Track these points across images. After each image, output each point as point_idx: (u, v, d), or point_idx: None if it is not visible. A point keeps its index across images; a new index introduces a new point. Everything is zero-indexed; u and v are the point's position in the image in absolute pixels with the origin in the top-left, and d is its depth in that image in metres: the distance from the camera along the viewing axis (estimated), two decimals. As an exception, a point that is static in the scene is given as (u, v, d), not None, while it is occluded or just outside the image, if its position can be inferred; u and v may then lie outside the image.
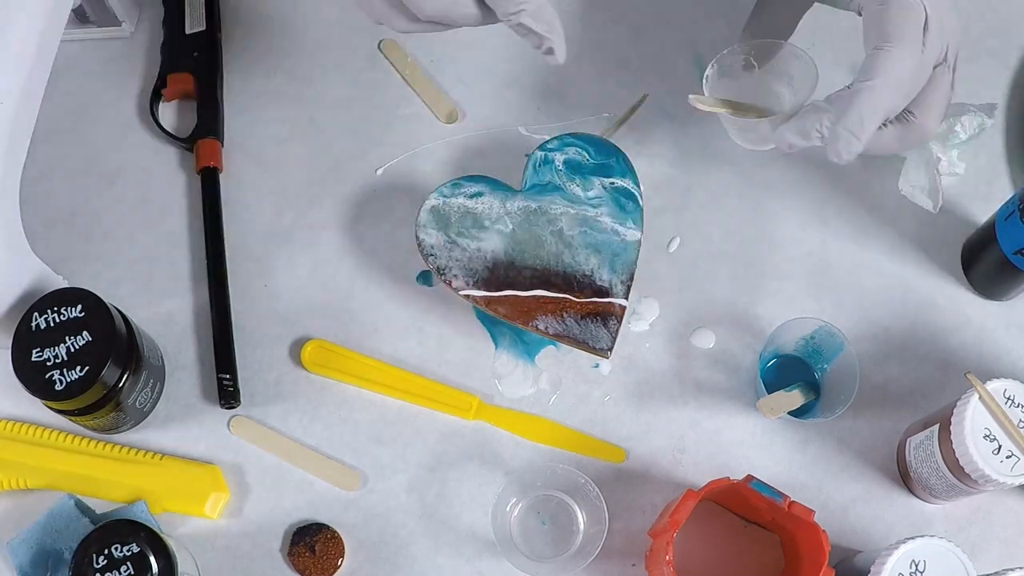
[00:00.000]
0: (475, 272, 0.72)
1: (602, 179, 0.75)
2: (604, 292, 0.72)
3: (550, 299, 0.72)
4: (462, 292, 0.72)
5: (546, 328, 0.72)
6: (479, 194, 0.74)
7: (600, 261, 0.73)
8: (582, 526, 0.71)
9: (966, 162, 0.80)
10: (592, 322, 0.72)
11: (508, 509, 0.71)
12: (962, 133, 0.78)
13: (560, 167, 0.75)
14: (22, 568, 0.68)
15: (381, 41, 0.84)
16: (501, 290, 0.72)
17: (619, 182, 0.75)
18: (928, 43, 0.61)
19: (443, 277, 0.72)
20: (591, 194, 0.75)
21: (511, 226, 0.74)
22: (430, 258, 0.72)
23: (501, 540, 0.68)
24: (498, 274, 0.72)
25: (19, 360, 0.65)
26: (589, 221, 0.74)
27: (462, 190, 0.74)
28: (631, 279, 0.73)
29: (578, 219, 0.74)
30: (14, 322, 0.66)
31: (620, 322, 0.72)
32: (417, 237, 0.73)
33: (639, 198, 0.75)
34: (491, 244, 0.73)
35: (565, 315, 0.72)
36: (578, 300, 0.72)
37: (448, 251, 0.73)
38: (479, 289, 0.72)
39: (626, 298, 0.73)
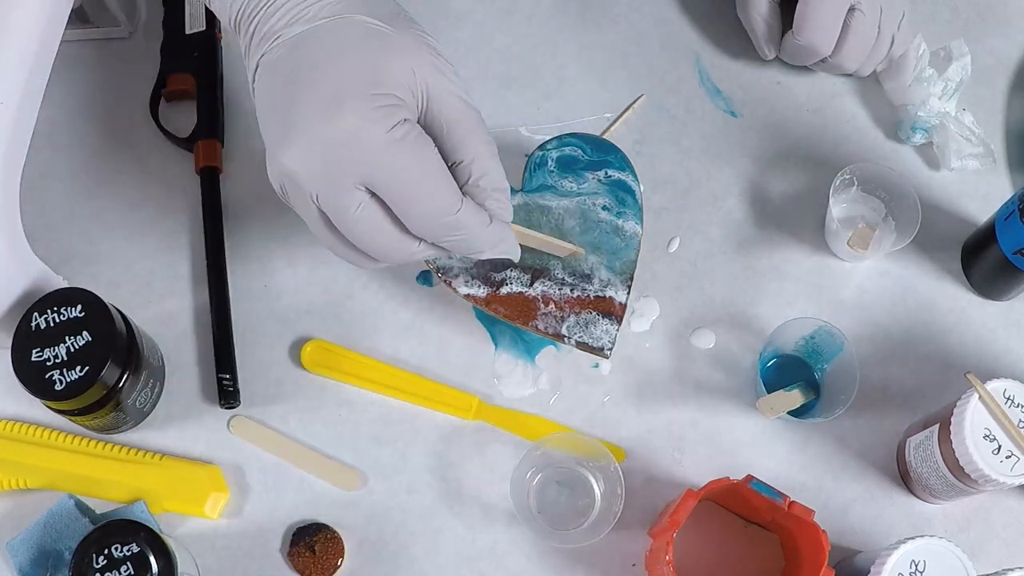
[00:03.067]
0: (475, 271, 0.72)
1: (597, 173, 0.75)
2: (603, 292, 0.72)
3: (550, 299, 0.72)
4: (462, 292, 0.72)
5: (546, 328, 0.71)
6: None
7: (600, 260, 0.73)
8: (599, 497, 0.71)
9: (967, 106, 0.81)
10: (592, 321, 0.72)
11: (528, 477, 0.71)
12: (952, 82, 0.80)
13: (552, 167, 0.75)
14: (22, 568, 0.68)
15: None
16: (501, 290, 0.72)
17: (616, 175, 0.75)
18: None
19: (443, 277, 0.72)
20: (586, 187, 0.74)
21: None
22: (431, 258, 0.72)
23: (520, 508, 0.68)
24: (497, 273, 0.72)
25: (19, 360, 0.65)
26: (589, 217, 0.74)
27: None
28: (631, 278, 0.73)
29: (578, 215, 0.74)
30: (14, 322, 0.66)
31: (620, 321, 0.72)
32: None
33: (637, 194, 0.75)
34: None
35: (564, 315, 0.72)
36: (577, 299, 0.72)
37: None
38: (479, 289, 0.72)
39: (626, 297, 0.73)
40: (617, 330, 0.72)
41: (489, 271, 0.72)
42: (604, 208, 0.74)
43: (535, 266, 0.73)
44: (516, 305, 0.72)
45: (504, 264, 0.72)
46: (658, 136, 0.82)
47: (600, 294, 0.72)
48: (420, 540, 0.71)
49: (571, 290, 0.72)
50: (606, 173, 0.75)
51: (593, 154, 0.76)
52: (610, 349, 0.72)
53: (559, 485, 0.72)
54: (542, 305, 0.72)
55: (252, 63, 0.60)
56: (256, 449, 0.73)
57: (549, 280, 0.72)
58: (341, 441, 0.74)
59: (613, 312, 0.72)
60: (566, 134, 0.77)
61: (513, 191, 0.75)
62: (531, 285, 0.72)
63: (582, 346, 0.72)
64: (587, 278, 0.73)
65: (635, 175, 0.76)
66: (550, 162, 0.75)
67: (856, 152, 0.82)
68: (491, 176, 0.60)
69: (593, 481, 0.72)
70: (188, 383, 0.75)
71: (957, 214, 0.80)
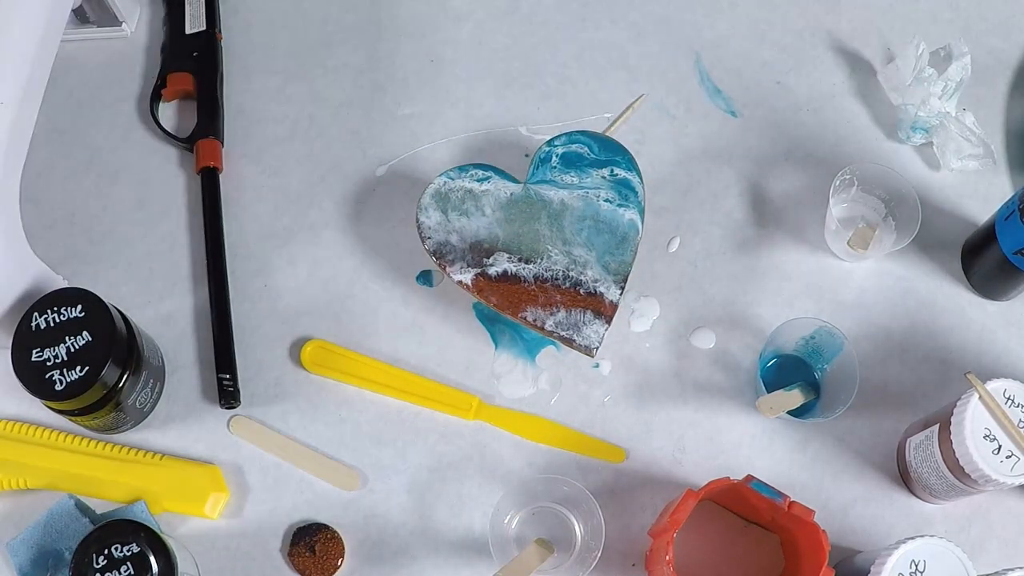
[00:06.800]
0: (469, 257, 0.72)
1: (603, 171, 0.75)
2: (595, 289, 0.72)
3: (541, 291, 0.72)
4: (455, 277, 0.72)
5: (534, 320, 0.71)
6: (484, 179, 0.74)
7: (595, 258, 0.73)
8: (579, 537, 0.71)
9: (967, 106, 0.81)
10: (581, 318, 0.72)
11: (506, 522, 0.71)
12: (952, 82, 0.80)
13: (556, 163, 0.75)
14: (22, 568, 0.68)
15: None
16: (494, 277, 0.72)
17: (623, 174, 0.75)
18: None
19: (437, 259, 0.72)
20: (588, 182, 0.75)
21: (510, 215, 0.74)
22: (427, 240, 0.72)
23: (498, 553, 0.68)
24: (492, 262, 0.72)
25: (19, 360, 0.65)
26: (587, 213, 0.74)
27: (468, 174, 0.74)
28: (625, 280, 0.73)
29: (577, 211, 0.74)
30: (14, 322, 0.66)
31: (610, 321, 0.72)
32: (417, 219, 0.73)
33: (640, 195, 0.75)
34: (488, 231, 0.73)
35: (554, 308, 0.72)
36: (568, 294, 0.72)
37: (445, 233, 0.73)
38: (471, 274, 0.72)
39: (619, 296, 0.72)
40: (606, 330, 0.72)
41: (481, 256, 0.72)
42: (606, 200, 0.74)
43: (531, 259, 0.73)
44: (507, 294, 0.72)
45: (493, 247, 0.72)
46: (658, 136, 0.82)
47: (591, 291, 0.72)
48: (420, 540, 0.71)
49: (564, 279, 0.72)
50: (611, 171, 0.75)
51: (601, 153, 0.76)
52: (596, 348, 0.71)
53: (539, 525, 0.71)
54: (532, 294, 0.72)
55: None
56: (256, 449, 0.73)
57: (543, 273, 0.72)
58: (341, 441, 0.74)
59: (603, 311, 0.72)
60: (576, 131, 0.77)
61: (516, 181, 0.75)
62: (524, 277, 0.72)
63: (567, 342, 0.72)
64: (580, 275, 0.72)
65: (640, 177, 0.76)
66: (554, 158, 0.75)
67: (856, 152, 0.82)
68: None
69: (575, 522, 0.71)
70: (188, 383, 0.75)
71: (957, 214, 0.80)
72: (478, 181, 0.74)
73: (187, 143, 0.81)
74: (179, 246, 0.79)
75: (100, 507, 0.71)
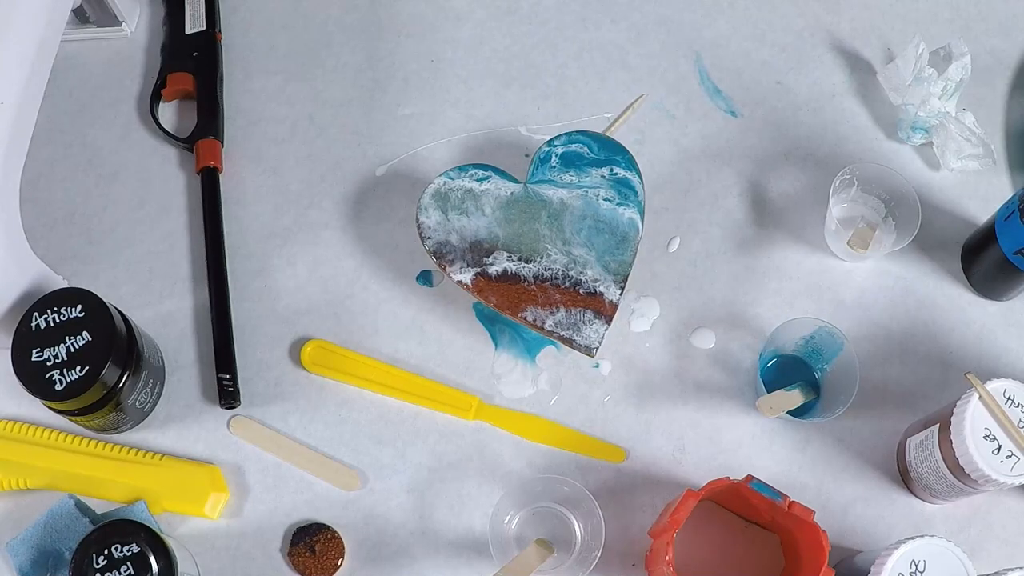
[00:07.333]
0: (469, 256, 0.72)
1: (602, 170, 0.75)
2: (595, 289, 0.72)
3: (540, 291, 0.72)
4: (455, 277, 0.72)
5: (534, 320, 0.71)
6: (484, 179, 0.74)
7: (595, 258, 0.73)
8: (579, 536, 0.71)
9: (967, 106, 0.81)
10: (581, 318, 0.72)
11: (506, 522, 0.71)
12: (952, 82, 0.80)
13: (556, 163, 0.75)
14: (22, 568, 0.68)
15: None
16: (494, 277, 0.72)
17: (623, 173, 0.75)
18: None
19: (437, 259, 0.72)
20: (588, 181, 0.75)
21: (510, 215, 0.74)
22: (427, 240, 0.72)
23: (498, 553, 0.68)
24: (492, 261, 0.72)
25: (19, 360, 0.65)
26: (587, 212, 0.74)
27: (468, 174, 0.74)
28: (625, 280, 0.73)
29: (577, 210, 0.74)
30: (14, 322, 0.66)
31: (610, 321, 0.72)
32: (417, 219, 0.73)
33: (640, 194, 0.75)
34: (488, 230, 0.73)
35: (554, 308, 0.72)
36: (568, 294, 0.72)
37: (445, 233, 0.73)
38: (471, 273, 0.72)
39: (619, 296, 0.72)
40: (606, 330, 0.72)
41: (481, 256, 0.72)
42: (606, 199, 0.74)
43: (531, 258, 0.73)
44: (507, 294, 0.72)
45: (493, 247, 0.72)
46: (658, 136, 0.82)
47: (591, 291, 0.72)
48: (420, 540, 0.71)
49: (563, 278, 0.72)
50: (611, 170, 0.75)
51: (600, 152, 0.76)
52: (596, 348, 0.71)
53: (539, 525, 0.71)
54: (532, 294, 0.72)
55: None
56: (256, 449, 0.73)
57: (543, 273, 0.72)
58: (341, 441, 0.74)
59: (603, 311, 0.72)
60: (576, 131, 0.77)
61: (515, 181, 0.75)
62: (524, 277, 0.72)
63: (567, 342, 0.72)
64: (580, 275, 0.72)
65: (640, 177, 0.76)
66: (554, 158, 0.75)
67: (856, 152, 0.82)
68: None
69: (575, 522, 0.71)
70: (188, 383, 0.75)
71: (957, 214, 0.80)
72: (478, 181, 0.74)
73: (187, 143, 0.81)
74: (179, 246, 0.79)
75: (100, 507, 0.71)
